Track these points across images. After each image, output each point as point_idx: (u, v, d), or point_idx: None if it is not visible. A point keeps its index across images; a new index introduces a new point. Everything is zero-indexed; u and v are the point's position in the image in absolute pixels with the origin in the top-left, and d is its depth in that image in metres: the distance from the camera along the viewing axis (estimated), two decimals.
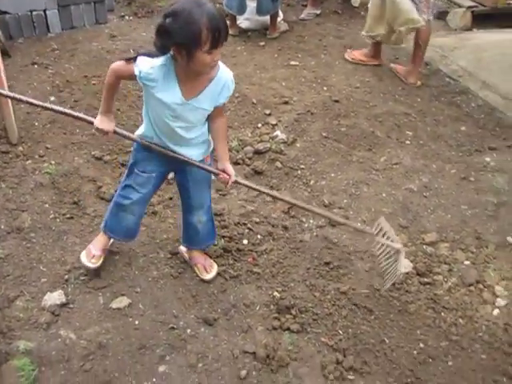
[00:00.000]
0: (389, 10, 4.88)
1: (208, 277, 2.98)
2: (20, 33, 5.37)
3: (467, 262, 3.20)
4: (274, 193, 3.13)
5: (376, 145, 4.22)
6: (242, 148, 4.01)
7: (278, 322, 2.76)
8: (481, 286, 3.06)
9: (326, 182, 3.80)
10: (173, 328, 2.71)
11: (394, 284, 2.91)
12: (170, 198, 3.54)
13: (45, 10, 5.41)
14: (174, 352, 2.61)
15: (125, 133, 2.63)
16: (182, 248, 3.10)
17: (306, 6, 6.68)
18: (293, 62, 5.33)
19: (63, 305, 2.77)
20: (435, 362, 2.66)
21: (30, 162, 3.72)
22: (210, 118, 2.60)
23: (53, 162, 3.72)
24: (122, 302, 2.82)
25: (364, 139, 4.26)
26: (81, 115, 2.67)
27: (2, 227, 3.19)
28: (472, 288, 3.04)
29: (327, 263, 3.13)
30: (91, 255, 2.91)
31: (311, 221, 3.44)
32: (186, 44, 2.19)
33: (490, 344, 2.75)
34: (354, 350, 2.67)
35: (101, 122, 2.57)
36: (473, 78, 5.33)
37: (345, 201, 3.63)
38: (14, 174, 3.58)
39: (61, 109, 2.64)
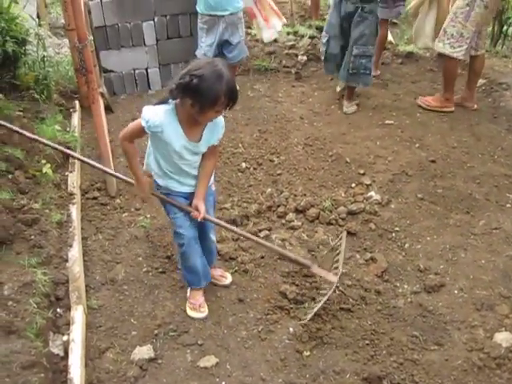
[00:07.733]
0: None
1: (228, 281, 3.30)
2: (123, 89, 5.68)
3: None
4: (240, 231, 3.22)
5: (474, 208, 4.04)
6: (336, 208, 3.95)
7: None
8: None
9: (422, 245, 3.67)
10: None
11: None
12: (262, 257, 3.52)
13: (147, 69, 5.71)
14: None
15: (160, 195, 2.91)
16: None
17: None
18: (388, 121, 5.24)
19: (151, 360, 2.78)
20: None
21: (126, 214, 3.84)
22: (203, 156, 2.80)
23: (148, 216, 3.81)
24: (209, 360, 2.79)
25: (461, 202, 4.10)
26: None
27: (98, 278, 3.27)
28: None
29: (422, 333, 2.98)
30: (198, 305, 3.08)
31: (405, 286, 3.32)
32: (203, 103, 2.42)
33: None
34: None
35: (137, 188, 2.93)
36: None
37: (441, 266, 3.47)
38: (110, 226, 3.70)
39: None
